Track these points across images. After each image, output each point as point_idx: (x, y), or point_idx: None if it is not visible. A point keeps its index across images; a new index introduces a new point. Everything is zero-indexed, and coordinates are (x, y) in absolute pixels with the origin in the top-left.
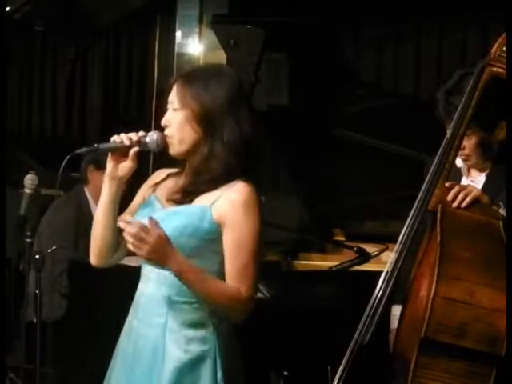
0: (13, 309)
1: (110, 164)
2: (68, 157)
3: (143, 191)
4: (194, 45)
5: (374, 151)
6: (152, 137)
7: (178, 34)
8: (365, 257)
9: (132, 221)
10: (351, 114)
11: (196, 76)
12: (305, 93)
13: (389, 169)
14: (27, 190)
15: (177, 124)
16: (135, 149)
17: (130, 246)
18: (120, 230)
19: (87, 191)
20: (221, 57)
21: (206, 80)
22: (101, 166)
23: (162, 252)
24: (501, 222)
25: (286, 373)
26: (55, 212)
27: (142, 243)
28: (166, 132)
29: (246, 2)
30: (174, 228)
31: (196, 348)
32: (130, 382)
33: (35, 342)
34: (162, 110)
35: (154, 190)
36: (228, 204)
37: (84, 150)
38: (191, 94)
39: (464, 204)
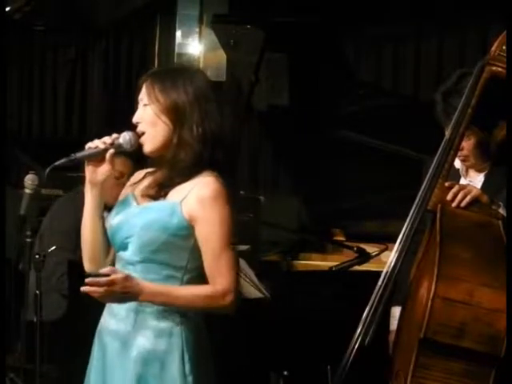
0: (13, 309)
1: (88, 171)
2: (47, 169)
3: (124, 191)
4: (194, 45)
5: (374, 151)
6: (125, 137)
7: (178, 34)
8: (365, 257)
9: (91, 280)
10: (351, 113)
11: (164, 74)
12: (305, 93)
13: (389, 169)
14: (27, 190)
15: (148, 119)
16: (110, 151)
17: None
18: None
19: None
20: (221, 57)
21: (174, 77)
22: None
23: (131, 293)
24: (500, 222)
25: (285, 373)
26: (56, 213)
27: (111, 296)
28: (139, 129)
29: (246, 2)
30: (144, 223)
31: (163, 340)
32: (104, 378)
33: (35, 341)
34: None
35: (132, 190)
36: (196, 200)
37: (63, 161)
38: (159, 89)
39: (463, 203)
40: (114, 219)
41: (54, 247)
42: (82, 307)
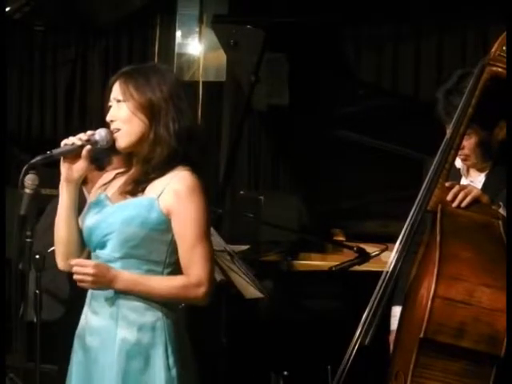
0: (13, 309)
1: (63, 168)
2: (25, 167)
3: (94, 193)
4: (194, 45)
5: (374, 151)
6: (100, 133)
7: (178, 34)
8: (365, 257)
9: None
10: (351, 113)
11: (137, 72)
12: (305, 93)
13: (389, 169)
14: (27, 190)
15: (123, 117)
16: (87, 147)
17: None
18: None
19: (86, 191)
20: (221, 57)
21: (147, 75)
22: (101, 167)
23: (104, 278)
24: (500, 222)
25: (285, 373)
26: (53, 212)
27: (85, 277)
28: (113, 126)
29: (246, 2)
30: (123, 219)
31: (146, 334)
32: (87, 375)
33: (35, 341)
34: None
35: (103, 190)
36: (173, 194)
37: (39, 158)
38: (134, 87)
39: (464, 204)
40: (88, 220)
41: (53, 248)
42: (82, 307)
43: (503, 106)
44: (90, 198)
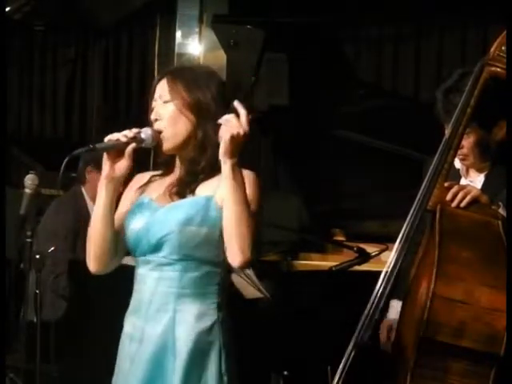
0: (13, 309)
1: (106, 165)
2: (67, 158)
3: (129, 197)
4: (194, 45)
5: (374, 151)
6: (147, 132)
7: (178, 34)
8: (365, 257)
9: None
10: (351, 113)
11: (185, 71)
12: (305, 93)
13: (389, 169)
14: (27, 190)
15: (169, 116)
16: (132, 145)
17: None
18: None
19: (85, 191)
20: (221, 57)
21: (195, 75)
22: (100, 166)
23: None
24: (500, 222)
25: (286, 373)
26: (53, 213)
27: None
28: (157, 126)
29: (246, 2)
30: (181, 220)
31: (204, 339)
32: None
33: (35, 341)
34: None
35: (142, 193)
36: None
37: (81, 150)
38: (182, 86)
39: (463, 204)
40: (134, 224)
41: (53, 247)
42: (82, 307)
43: (502, 105)
44: (131, 199)
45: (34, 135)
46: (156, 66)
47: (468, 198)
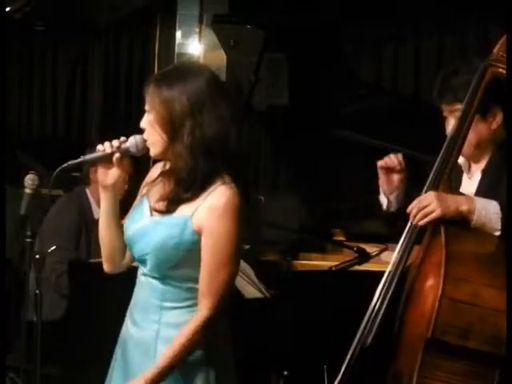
0: (13, 309)
1: (99, 174)
2: (57, 170)
3: (142, 190)
4: (194, 45)
5: (374, 151)
6: (132, 141)
7: (178, 34)
8: (365, 257)
9: None
10: (351, 113)
11: (165, 77)
12: (305, 93)
13: None
14: (27, 190)
15: (147, 127)
16: (116, 155)
17: None
18: None
19: (89, 192)
20: (221, 57)
21: (171, 83)
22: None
23: None
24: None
25: (286, 373)
26: (57, 213)
27: None
28: (144, 134)
29: (246, 2)
30: (157, 241)
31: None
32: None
33: (35, 341)
34: None
35: (147, 190)
36: (206, 210)
37: (70, 163)
38: (158, 96)
39: (416, 222)
40: (130, 228)
41: (53, 247)
42: (82, 307)
43: (503, 105)
44: (139, 196)
45: (35, 135)
46: (156, 66)
47: (425, 220)
